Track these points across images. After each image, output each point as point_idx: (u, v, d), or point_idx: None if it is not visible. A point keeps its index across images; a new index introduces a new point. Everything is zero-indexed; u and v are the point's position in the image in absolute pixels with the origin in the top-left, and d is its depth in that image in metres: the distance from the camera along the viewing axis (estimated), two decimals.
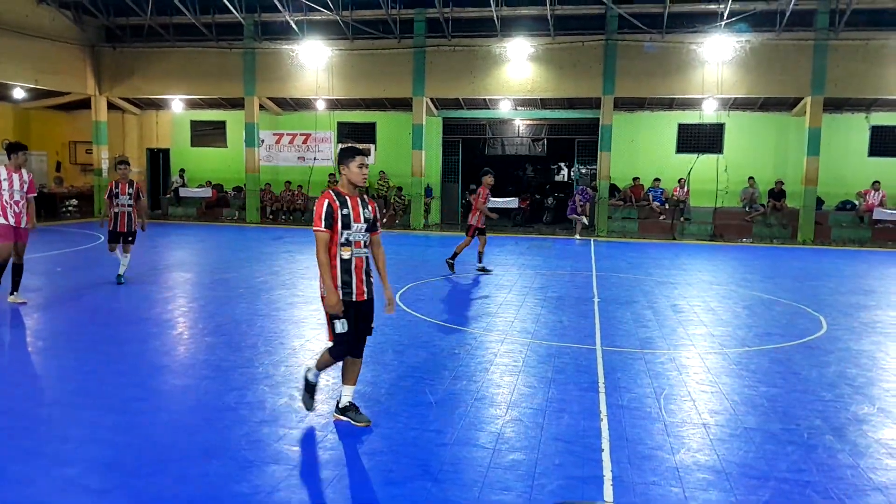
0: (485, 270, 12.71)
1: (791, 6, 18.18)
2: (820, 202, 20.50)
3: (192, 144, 25.72)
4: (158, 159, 26.43)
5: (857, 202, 20.74)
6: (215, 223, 22.69)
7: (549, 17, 19.68)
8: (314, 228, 4.74)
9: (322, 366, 5.05)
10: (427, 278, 11.87)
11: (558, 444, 4.66)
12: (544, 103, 22.49)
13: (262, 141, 23.92)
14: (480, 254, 12.77)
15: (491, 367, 6.56)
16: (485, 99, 22.14)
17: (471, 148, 25.42)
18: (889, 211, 20.00)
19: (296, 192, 23.51)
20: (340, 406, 5.05)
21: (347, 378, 5.05)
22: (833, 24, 18.90)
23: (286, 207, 23.35)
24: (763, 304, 10.18)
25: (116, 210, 10.48)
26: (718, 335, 8.06)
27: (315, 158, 24.19)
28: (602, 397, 5.65)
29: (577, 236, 20.30)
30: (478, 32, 20.82)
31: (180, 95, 23.75)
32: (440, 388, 5.83)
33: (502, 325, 8.40)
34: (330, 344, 4.91)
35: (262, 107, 23.33)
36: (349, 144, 5.17)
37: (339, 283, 4.79)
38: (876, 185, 20.23)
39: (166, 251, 15.72)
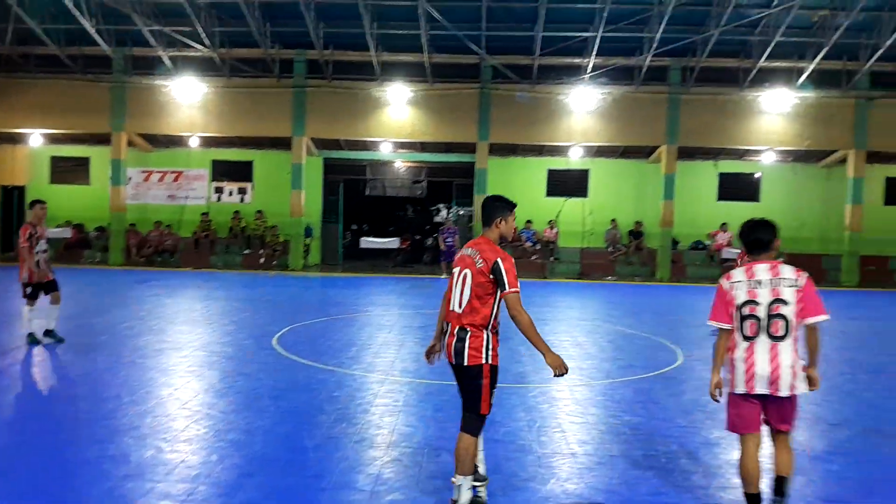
0: None
1: (647, 62, 19.86)
2: (675, 242, 22.20)
3: (52, 181, 24.07)
4: (12, 197, 24.47)
5: (707, 242, 22.65)
6: (75, 265, 21.21)
7: (426, 65, 20.33)
8: (516, 290, 4.15)
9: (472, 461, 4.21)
10: (306, 321, 11.70)
11: (436, 482, 4.74)
12: (424, 146, 23.04)
13: (130, 178, 22.78)
14: None
15: (371, 408, 6.56)
16: (366, 140, 22.38)
17: (352, 188, 25.49)
18: (736, 250, 21.94)
19: (164, 232, 22.46)
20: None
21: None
22: (685, 80, 20.83)
23: (156, 249, 22.23)
24: (626, 339, 10.85)
25: (37, 258, 8.99)
26: (586, 368, 8.51)
27: (187, 197, 23.32)
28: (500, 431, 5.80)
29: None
30: (358, 76, 21.15)
31: (41, 129, 22.27)
32: (318, 432, 5.77)
33: (383, 365, 8.44)
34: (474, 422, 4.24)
35: (131, 143, 22.31)
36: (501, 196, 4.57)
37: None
38: (724, 226, 22.20)
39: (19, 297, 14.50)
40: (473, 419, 4.22)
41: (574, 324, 12.30)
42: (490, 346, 4.21)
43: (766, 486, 4.37)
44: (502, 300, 4.19)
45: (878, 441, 5.90)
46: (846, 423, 6.41)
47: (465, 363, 4.18)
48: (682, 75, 20.89)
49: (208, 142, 23.01)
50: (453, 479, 4.19)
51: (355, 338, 10.34)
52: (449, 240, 20.99)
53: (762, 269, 4.10)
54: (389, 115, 21.32)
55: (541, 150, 23.34)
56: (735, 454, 5.43)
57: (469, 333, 4.18)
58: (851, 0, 17.56)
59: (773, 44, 18.86)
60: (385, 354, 9.06)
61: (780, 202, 23.33)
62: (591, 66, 20.08)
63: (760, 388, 4.04)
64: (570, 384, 7.64)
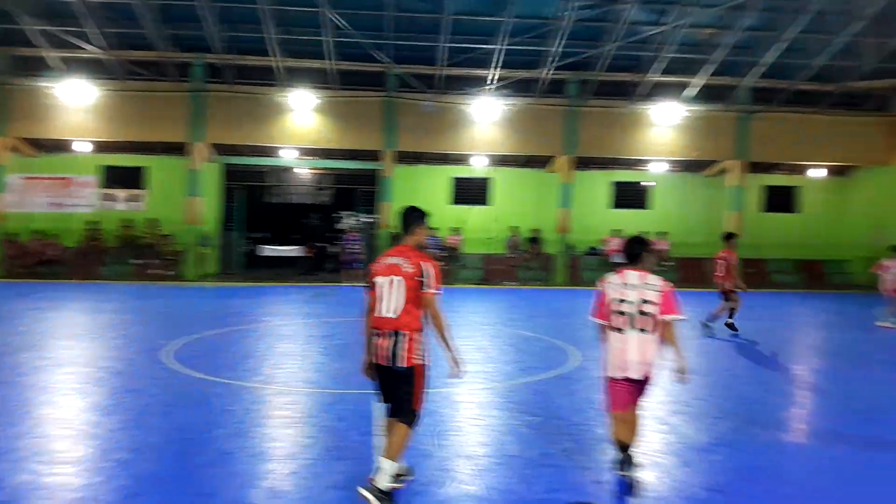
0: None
1: (548, 76, 20.50)
2: (572, 248, 22.97)
3: None
4: None
5: (601, 248, 23.56)
6: None
7: (331, 72, 20.16)
8: (438, 292, 4.59)
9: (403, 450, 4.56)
10: (202, 332, 11.28)
11: (335, 493, 4.68)
12: (328, 153, 22.81)
13: (10, 185, 21.26)
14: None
15: (269, 420, 6.41)
16: (268, 147, 21.90)
17: (254, 195, 24.85)
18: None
19: (46, 242, 21.01)
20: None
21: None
22: (582, 92, 21.65)
23: (39, 259, 20.74)
24: (526, 341, 11.12)
25: None
26: (488, 371, 8.65)
27: (75, 205, 22.02)
28: (380, 441, 5.77)
29: (355, 283, 20.55)
30: (261, 81, 20.67)
31: None
32: (212, 447, 5.57)
33: (283, 376, 8.26)
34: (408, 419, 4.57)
35: (13, 148, 20.84)
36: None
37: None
38: (617, 232, 23.13)
39: None
40: (409, 415, 4.54)
41: (477, 328, 12.48)
42: (424, 348, 4.58)
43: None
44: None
45: (756, 431, 6.31)
46: (727, 417, 6.81)
47: (403, 365, 4.47)
48: (579, 88, 21.70)
49: (99, 147, 21.82)
50: (387, 466, 4.40)
51: (254, 349, 10.06)
52: (353, 247, 20.84)
53: (633, 276, 4.88)
54: (293, 122, 20.97)
55: (445, 159, 23.60)
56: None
57: (406, 336, 4.49)
58: (735, 20, 18.81)
59: (663, 60, 19.93)
60: (285, 365, 8.87)
61: (669, 209, 24.67)
62: (494, 77, 20.53)
63: (633, 374, 4.76)
64: (473, 387, 7.74)
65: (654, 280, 4.88)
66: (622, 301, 4.81)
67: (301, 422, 6.34)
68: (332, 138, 21.26)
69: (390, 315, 4.52)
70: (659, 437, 6.11)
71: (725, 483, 5.01)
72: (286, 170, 24.32)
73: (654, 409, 7.02)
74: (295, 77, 20.71)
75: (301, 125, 21.00)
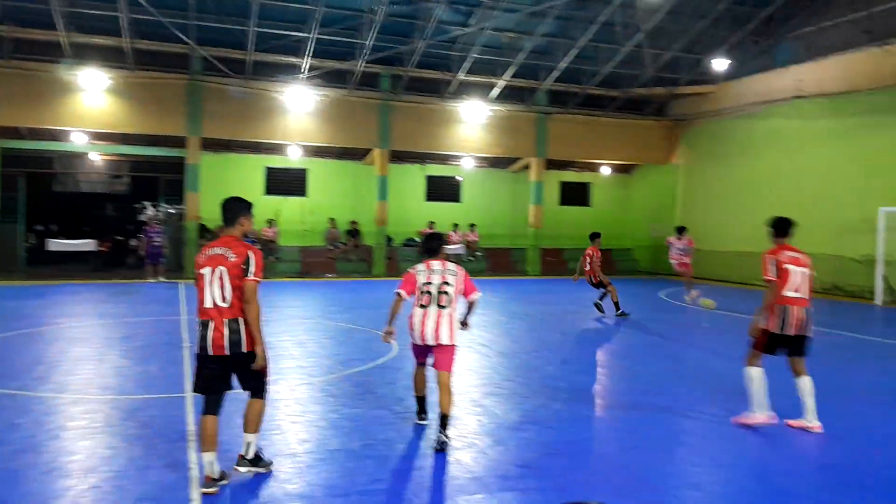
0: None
1: (361, 68, 20.51)
2: (390, 240, 23.32)
3: None
4: None
5: (418, 239, 24.19)
6: None
7: (127, 50, 18.57)
8: (258, 280, 4.78)
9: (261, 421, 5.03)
10: None
11: None
12: (126, 139, 21.04)
13: None
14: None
15: (64, 433, 5.85)
16: (53, 129, 19.68)
17: (37, 183, 22.25)
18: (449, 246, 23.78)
19: None
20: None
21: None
22: (394, 87, 21.93)
23: None
24: (345, 333, 11.16)
25: None
26: (307, 366, 8.56)
27: None
28: (192, 446, 5.51)
29: (161, 278, 19.26)
30: (44, 57, 18.46)
31: None
32: None
33: (78, 383, 7.55)
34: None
35: None
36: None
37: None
38: (431, 224, 23.85)
39: None
40: (262, 389, 4.94)
41: (296, 323, 12.27)
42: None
43: (432, 412, 6.11)
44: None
45: (557, 408, 6.89)
46: (535, 395, 7.36)
47: (247, 349, 4.71)
48: (392, 83, 21.99)
49: None
50: (249, 440, 4.90)
51: (43, 355, 9.06)
52: (156, 240, 19.44)
53: (436, 264, 6.09)
54: (83, 103, 19.00)
55: (258, 148, 22.80)
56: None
57: (241, 322, 4.71)
58: (534, 26, 20.12)
59: (469, 60, 20.80)
60: (80, 371, 8.11)
61: (478, 203, 25.94)
62: (306, 66, 20.14)
63: (429, 341, 5.84)
64: (292, 384, 7.63)
65: (453, 267, 6.09)
66: (427, 283, 5.93)
67: (101, 432, 5.86)
68: (130, 122, 19.60)
69: (221, 304, 4.71)
70: (474, 419, 6.45)
71: (535, 459, 5.42)
72: (77, 156, 22.07)
73: (470, 392, 7.41)
74: (85, 54, 18.78)
75: (93, 107, 19.10)
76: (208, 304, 4.73)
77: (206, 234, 21.54)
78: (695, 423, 6.48)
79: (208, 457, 4.66)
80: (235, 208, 4.95)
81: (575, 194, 27.66)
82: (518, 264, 24.79)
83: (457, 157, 24.99)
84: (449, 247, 23.60)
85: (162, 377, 7.91)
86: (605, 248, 27.53)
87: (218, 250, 4.79)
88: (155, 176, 23.37)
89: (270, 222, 22.10)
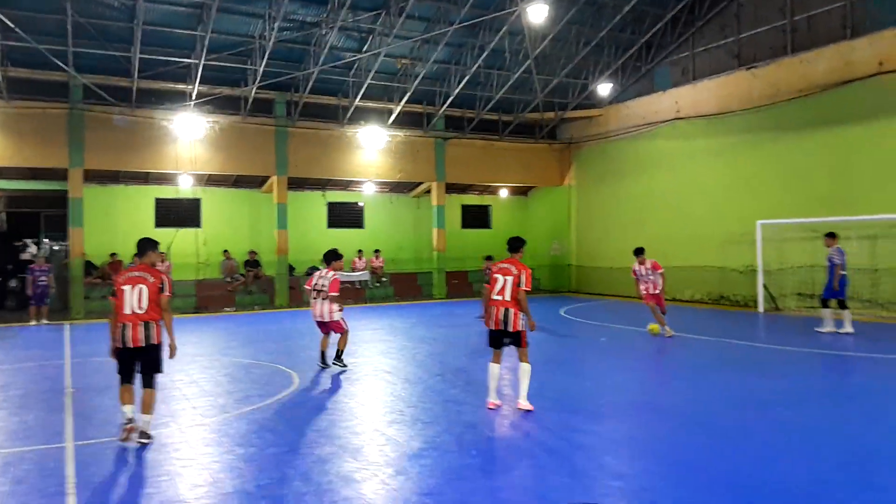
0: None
1: (253, 94, 20.11)
2: (292, 269, 22.80)
3: None
4: None
5: (321, 268, 23.79)
6: None
7: (1, 79, 17.39)
8: (169, 294, 6.89)
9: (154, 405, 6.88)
10: None
11: None
12: (2, 173, 19.63)
13: None
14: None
15: None
16: None
17: None
18: (345, 273, 23.40)
19: None
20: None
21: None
22: (290, 113, 21.62)
23: None
24: (244, 369, 10.74)
25: None
26: (200, 406, 8.16)
27: None
28: (72, 500, 5.11)
29: (44, 320, 17.97)
30: None
31: None
32: None
33: None
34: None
35: None
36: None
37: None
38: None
39: None
40: (154, 379, 6.72)
41: (190, 361, 11.69)
42: (161, 331, 6.79)
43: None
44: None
45: (459, 432, 6.87)
46: (437, 420, 7.32)
47: (154, 342, 6.67)
48: (287, 109, 21.67)
49: None
50: (146, 420, 6.57)
51: None
52: (41, 279, 18.11)
53: (320, 274, 10.78)
54: None
55: (146, 178, 21.84)
56: (346, 466, 5.81)
57: (153, 323, 6.69)
58: (427, 52, 20.42)
59: (365, 85, 20.84)
60: None
61: (381, 228, 25.85)
62: (195, 92, 19.54)
63: (317, 319, 10.65)
64: (183, 426, 7.25)
65: (329, 274, 10.63)
66: (316, 283, 10.61)
67: None
68: (5, 155, 18.29)
69: (139, 311, 6.62)
70: (376, 449, 6.34)
71: (436, 486, 5.37)
72: None
73: (373, 422, 7.29)
74: None
75: None
76: (128, 311, 6.61)
77: (92, 270, 20.34)
78: (594, 439, 6.63)
79: (129, 408, 6.55)
80: (146, 245, 6.99)
81: (476, 217, 28.10)
82: (424, 288, 24.83)
83: (358, 183, 24.86)
84: (354, 273, 23.37)
85: (39, 427, 7.33)
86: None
87: (137, 273, 6.76)
88: (35, 211, 21.90)
89: (162, 255, 21.07)
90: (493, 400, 7.87)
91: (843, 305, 13.39)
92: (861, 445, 6.27)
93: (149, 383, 6.65)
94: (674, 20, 21.21)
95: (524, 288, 7.61)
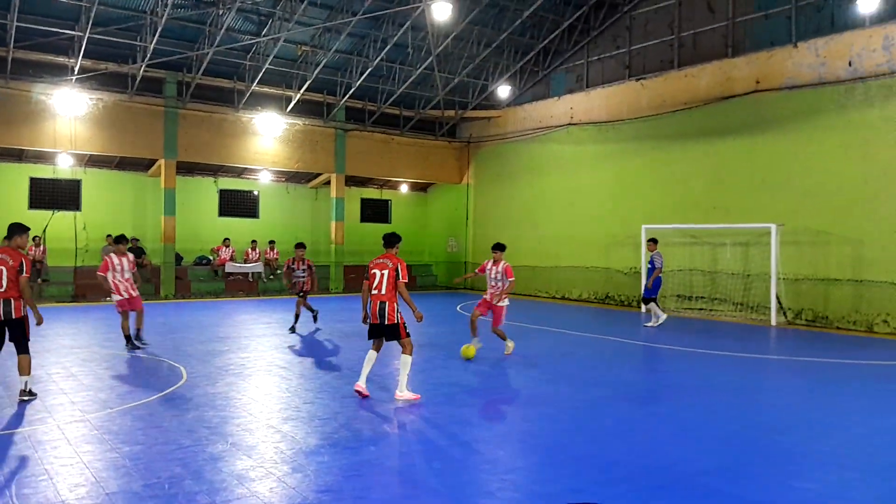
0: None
1: (141, 72, 19.05)
2: (179, 258, 21.83)
3: None
4: None
5: (211, 257, 22.92)
6: None
7: None
8: (28, 276, 7.69)
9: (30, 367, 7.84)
10: None
11: None
12: None
13: None
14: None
15: None
16: None
17: None
18: (237, 264, 22.78)
19: None
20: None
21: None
22: (181, 94, 20.64)
23: None
24: (126, 362, 10.21)
25: None
26: (79, 401, 7.69)
27: None
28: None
29: None
30: None
31: None
32: None
33: None
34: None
35: None
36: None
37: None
38: (227, 241, 22.79)
39: None
40: (25, 346, 7.64)
41: (67, 353, 10.97)
42: (22, 306, 7.62)
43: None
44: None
45: (357, 427, 6.85)
46: (334, 416, 7.26)
47: (15, 317, 7.53)
48: (178, 89, 20.68)
49: None
50: (24, 380, 7.63)
51: None
52: None
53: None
54: None
55: (20, 156, 20.22)
56: (240, 464, 5.66)
57: (12, 301, 7.50)
58: (329, 41, 20.09)
59: (263, 70, 20.22)
60: None
61: (278, 218, 25.22)
62: (78, 67, 18.28)
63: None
64: (62, 422, 6.81)
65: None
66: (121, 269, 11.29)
67: None
68: None
69: (0, 290, 7.46)
70: (271, 446, 6.21)
71: (333, 482, 5.33)
72: None
73: (268, 418, 7.14)
74: None
75: None
76: None
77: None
78: (505, 426, 6.79)
79: (29, 380, 7.71)
80: (15, 230, 7.83)
81: (375, 211, 27.97)
82: (321, 282, 24.37)
83: (253, 171, 24.12)
84: (246, 265, 22.68)
85: None
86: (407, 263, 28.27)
87: (1, 256, 7.55)
88: None
89: (36, 239, 19.64)
90: (360, 384, 8.02)
91: (649, 302, 15.42)
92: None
93: (20, 350, 7.59)
94: (570, 28, 21.98)
95: (402, 280, 7.91)
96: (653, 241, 15.55)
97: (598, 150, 21.50)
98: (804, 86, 16.43)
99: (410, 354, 8.01)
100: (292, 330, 13.85)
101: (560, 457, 6.09)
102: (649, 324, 15.38)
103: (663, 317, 15.35)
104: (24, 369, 7.57)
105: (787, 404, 8.44)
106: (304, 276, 14.37)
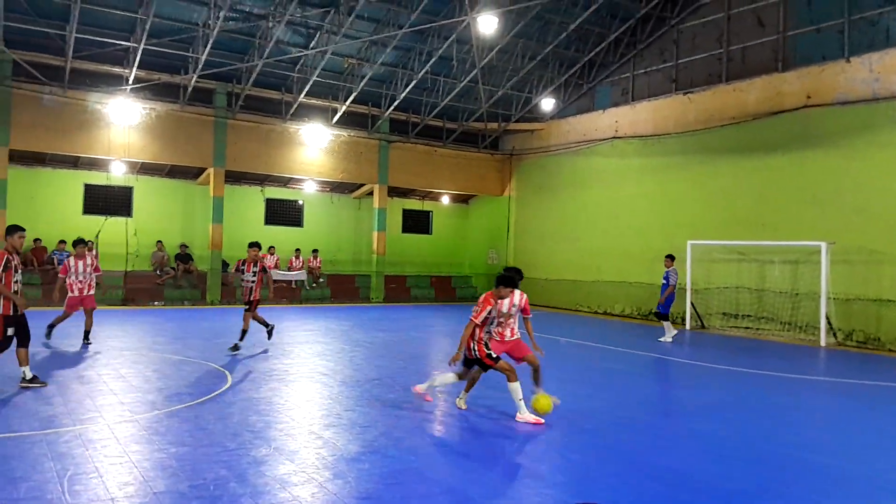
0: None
1: (193, 83, 19.59)
2: (225, 265, 22.25)
3: None
4: None
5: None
6: None
7: None
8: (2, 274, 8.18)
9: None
10: None
11: None
12: None
13: None
14: None
15: None
16: None
17: None
18: (281, 272, 23.14)
19: None
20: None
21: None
22: (231, 105, 21.15)
23: None
24: (173, 365, 10.44)
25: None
26: (129, 402, 7.90)
27: None
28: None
29: None
30: None
31: None
32: None
33: None
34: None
35: None
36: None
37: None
38: (271, 249, 23.15)
39: None
40: (22, 341, 8.34)
41: (116, 355, 11.29)
42: (12, 305, 8.18)
43: None
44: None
45: (398, 436, 6.89)
46: (374, 424, 7.31)
47: (3, 313, 8.14)
48: (227, 100, 21.20)
49: None
50: (24, 370, 8.38)
51: None
52: None
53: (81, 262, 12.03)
54: None
55: (76, 163, 20.95)
56: (282, 468, 5.74)
57: None
58: (375, 54, 20.37)
59: (310, 82, 20.60)
60: None
61: (321, 228, 25.56)
62: (132, 77, 18.90)
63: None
64: (111, 422, 7.01)
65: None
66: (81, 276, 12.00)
67: None
68: None
69: None
70: (313, 452, 6.29)
71: (375, 490, 5.37)
72: None
73: (310, 425, 7.22)
74: None
75: None
76: None
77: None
78: (507, 442, 6.77)
79: (27, 369, 8.45)
80: (8, 230, 8.49)
81: (416, 222, 28.13)
82: (362, 291, 24.67)
83: (298, 181, 24.54)
84: (290, 272, 23.04)
85: None
86: (445, 274, 28.41)
87: None
88: None
89: (89, 244, 20.22)
90: (421, 387, 8.21)
91: (663, 318, 15.61)
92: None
93: (21, 342, 8.39)
94: (616, 41, 21.85)
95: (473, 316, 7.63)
96: (670, 258, 15.59)
97: (643, 163, 21.28)
98: (857, 101, 16.03)
99: (511, 382, 7.54)
100: (235, 348, 11.75)
101: (597, 473, 6.02)
102: (662, 339, 15.49)
103: (673, 332, 15.64)
104: (23, 360, 8.36)
105: (829, 426, 8.18)
106: (253, 281, 12.12)
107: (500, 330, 7.90)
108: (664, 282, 15.42)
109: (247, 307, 12.12)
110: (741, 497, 5.47)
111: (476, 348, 7.62)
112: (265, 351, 12.21)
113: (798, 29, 17.67)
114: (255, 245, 12.57)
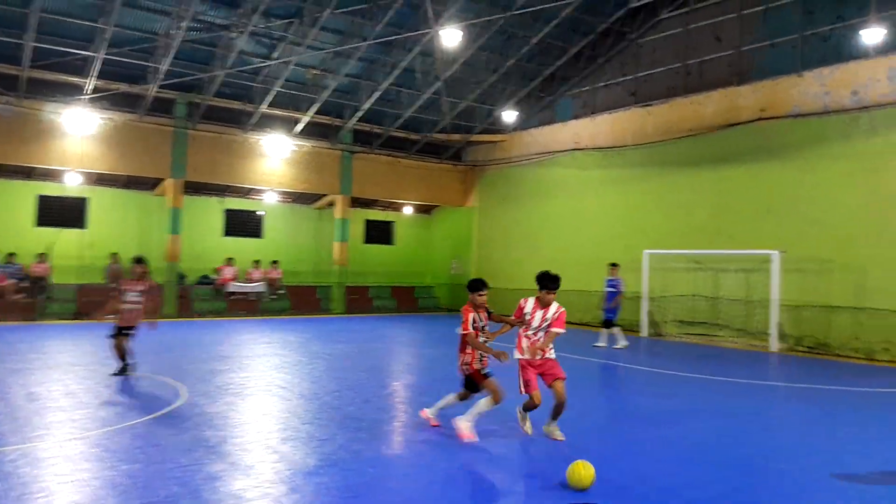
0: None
1: (153, 93, 19.27)
2: (182, 277, 21.87)
3: None
4: None
5: (214, 277, 22.96)
6: None
7: None
8: None
9: None
10: None
11: None
12: None
13: None
14: None
15: None
16: None
17: None
18: (240, 284, 22.81)
19: None
20: None
21: None
22: (191, 115, 20.85)
23: None
24: (126, 381, 10.20)
25: None
26: (79, 419, 7.68)
27: None
28: None
29: None
30: None
31: None
32: None
33: None
34: None
35: None
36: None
37: None
38: (230, 261, 22.85)
39: None
40: None
41: (67, 370, 10.99)
42: None
43: None
44: None
45: (357, 448, 6.81)
46: (333, 437, 7.23)
47: None
48: (188, 110, 20.90)
49: None
50: None
51: None
52: None
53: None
54: None
55: (29, 174, 20.39)
56: (238, 483, 5.63)
57: None
58: (338, 65, 20.30)
59: (272, 93, 20.43)
60: None
61: (281, 238, 25.30)
62: (90, 87, 18.51)
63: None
64: (60, 440, 6.80)
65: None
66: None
67: None
68: None
69: None
70: (269, 466, 6.18)
71: (331, 503, 5.30)
72: None
73: (266, 439, 7.10)
74: None
75: None
76: None
77: None
78: (478, 454, 6.76)
79: None
80: None
81: (379, 232, 28.03)
82: (322, 302, 24.45)
83: (259, 191, 24.26)
84: (248, 284, 22.73)
85: None
86: (408, 285, 28.33)
87: None
88: None
89: (41, 256, 19.75)
90: (428, 411, 7.84)
91: (610, 325, 16.01)
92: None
93: None
94: (577, 55, 22.15)
95: (460, 330, 7.28)
96: (615, 266, 16.20)
97: (603, 175, 21.58)
98: (809, 114, 16.52)
99: (491, 400, 7.17)
100: (123, 371, 10.40)
101: (556, 480, 6.03)
102: (617, 346, 15.77)
103: (606, 342, 15.92)
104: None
105: (789, 430, 8.36)
106: (138, 303, 10.84)
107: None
108: (612, 289, 15.83)
109: (122, 332, 10.59)
110: (715, 501, 5.53)
111: (468, 363, 7.27)
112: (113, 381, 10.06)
113: (754, 44, 18.18)
114: (139, 261, 11.27)
